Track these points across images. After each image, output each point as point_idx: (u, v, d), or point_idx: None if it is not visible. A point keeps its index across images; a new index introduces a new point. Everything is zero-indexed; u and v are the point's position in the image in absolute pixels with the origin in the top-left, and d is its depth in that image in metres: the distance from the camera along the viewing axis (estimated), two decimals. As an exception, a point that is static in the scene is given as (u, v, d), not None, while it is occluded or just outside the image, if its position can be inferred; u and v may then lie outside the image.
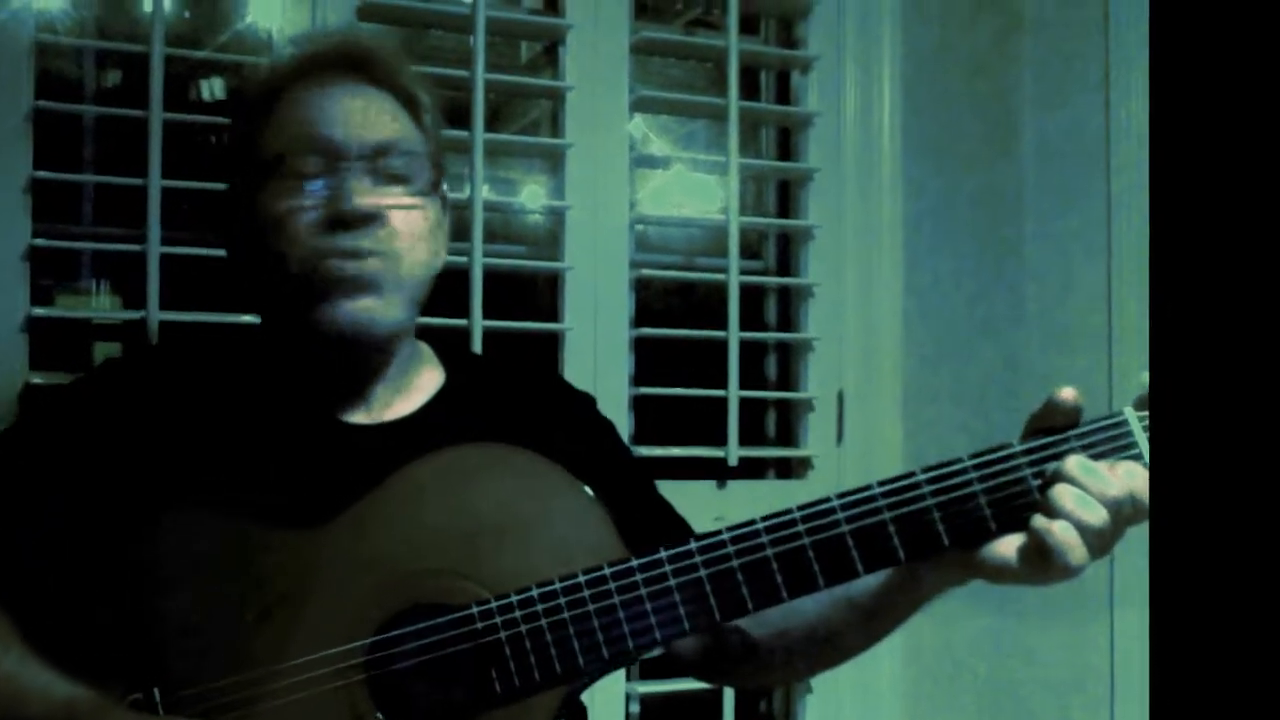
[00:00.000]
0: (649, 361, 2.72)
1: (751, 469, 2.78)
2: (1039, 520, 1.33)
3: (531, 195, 2.81)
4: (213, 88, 2.70)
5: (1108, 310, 2.69)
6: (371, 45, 1.69)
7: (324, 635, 1.42)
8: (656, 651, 1.49)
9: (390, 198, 1.59)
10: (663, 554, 1.39)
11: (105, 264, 2.54)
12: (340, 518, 1.47)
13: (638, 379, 2.70)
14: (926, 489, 1.37)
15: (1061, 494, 1.33)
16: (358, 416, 1.65)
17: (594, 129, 2.66)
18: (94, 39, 2.44)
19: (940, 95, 2.85)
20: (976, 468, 1.37)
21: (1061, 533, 1.32)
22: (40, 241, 2.27)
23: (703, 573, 1.38)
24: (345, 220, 1.55)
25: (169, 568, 1.45)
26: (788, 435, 2.90)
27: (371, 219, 1.56)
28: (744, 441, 2.71)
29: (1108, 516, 1.32)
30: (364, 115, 1.61)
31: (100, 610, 1.44)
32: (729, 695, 2.66)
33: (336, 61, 1.65)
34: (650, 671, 2.58)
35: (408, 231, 1.60)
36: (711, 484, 2.70)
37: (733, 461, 2.68)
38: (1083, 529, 1.32)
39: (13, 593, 1.48)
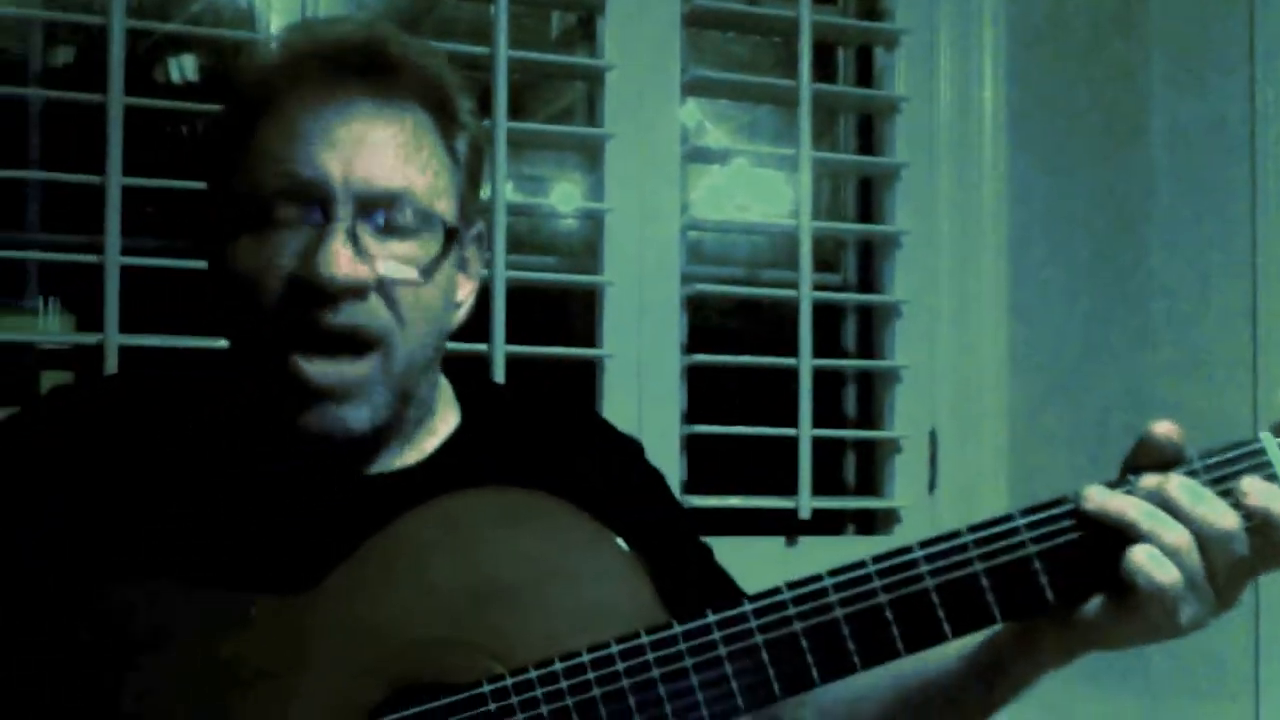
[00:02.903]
0: (704, 394, 2.57)
1: (828, 523, 2.63)
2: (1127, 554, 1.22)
3: (564, 196, 2.67)
4: (183, 67, 2.53)
5: (1252, 330, 2.53)
6: (392, 39, 1.46)
7: (310, 720, 1.30)
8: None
9: (386, 262, 1.39)
10: (711, 618, 1.25)
11: (55, 278, 2.38)
12: (327, 581, 1.31)
13: (691, 415, 2.55)
14: (1026, 534, 1.24)
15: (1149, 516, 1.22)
16: (354, 465, 1.48)
17: (639, 116, 2.50)
18: (41, 8, 2.32)
19: (1052, 75, 2.70)
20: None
21: (1143, 558, 1.19)
22: (-24, 251, 2.26)
23: (759, 639, 1.24)
24: (319, 293, 1.35)
25: (121, 642, 1.29)
26: (870, 483, 2.74)
27: (356, 291, 1.37)
28: (819, 490, 2.54)
29: (1189, 537, 1.19)
30: (368, 149, 1.39)
31: (34, 692, 1.28)
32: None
33: (343, 62, 1.42)
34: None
35: (406, 303, 1.41)
36: (779, 541, 2.53)
37: (805, 514, 2.51)
38: (1168, 551, 1.19)
39: None
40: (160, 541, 1.38)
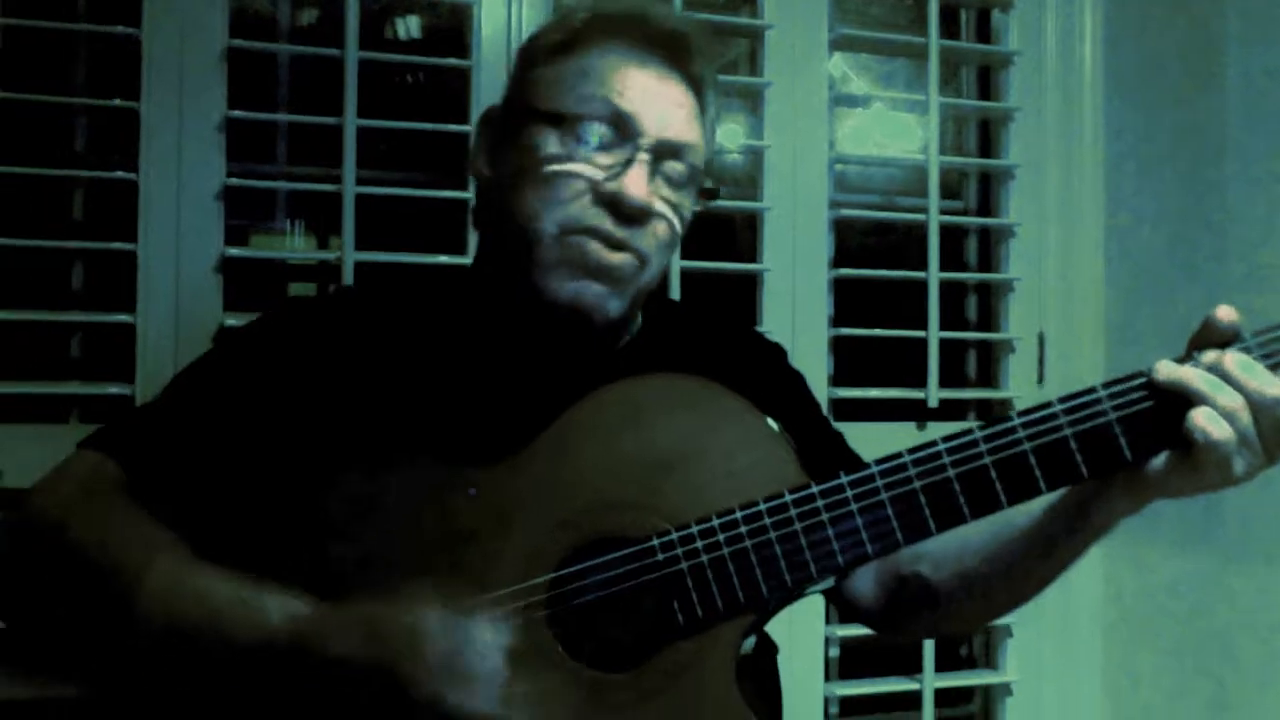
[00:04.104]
0: (848, 302, 2.71)
1: (952, 410, 2.75)
2: (1190, 415, 1.32)
3: (730, 135, 2.74)
4: (409, 26, 2.67)
5: (1313, 251, 2.56)
6: (694, 29, 1.61)
7: (505, 572, 1.41)
8: (828, 583, 1.44)
9: (662, 203, 1.55)
10: (844, 479, 1.38)
11: (300, 204, 2.55)
12: (519, 455, 1.45)
13: (837, 320, 2.70)
14: (1107, 404, 1.35)
15: (1207, 383, 1.32)
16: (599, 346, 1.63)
17: (793, 68, 2.64)
18: (288, -23, 2.41)
19: (1142, 31, 2.78)
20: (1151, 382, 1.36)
21: (1202, 419, 1.30)
22: (234, 181, 2.30)
23: (885, 495, 1.37)
24: (621, 208, 1.50)
25: (351, 507, 1.43)
26: (988, 377, 2.88)
27: (643, 216, 1.52)
28: (945, 383, 2.70)
29: (1242, 401, 1.30)
30: (670, 107, 1.55)
31: (274, 553, 1.41)
32: (929, 641, 2.64)
33: (660, 37, 1.57)
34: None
35: (663, 238, 1.56)
36: (911, 425, 2.68)
37: (933, 403, 2.67)
38: (1223, 413, 1.30)
39: (181, 528, 1.43)
40: (379, 422, 1.49)
